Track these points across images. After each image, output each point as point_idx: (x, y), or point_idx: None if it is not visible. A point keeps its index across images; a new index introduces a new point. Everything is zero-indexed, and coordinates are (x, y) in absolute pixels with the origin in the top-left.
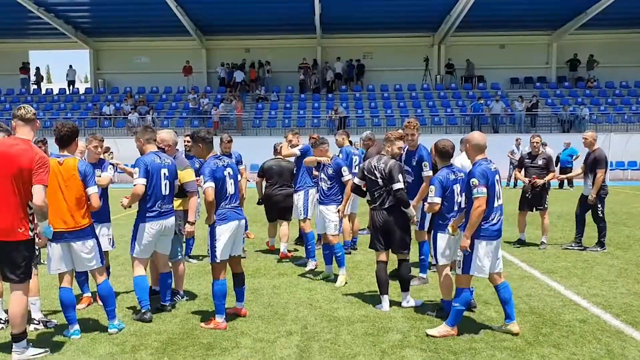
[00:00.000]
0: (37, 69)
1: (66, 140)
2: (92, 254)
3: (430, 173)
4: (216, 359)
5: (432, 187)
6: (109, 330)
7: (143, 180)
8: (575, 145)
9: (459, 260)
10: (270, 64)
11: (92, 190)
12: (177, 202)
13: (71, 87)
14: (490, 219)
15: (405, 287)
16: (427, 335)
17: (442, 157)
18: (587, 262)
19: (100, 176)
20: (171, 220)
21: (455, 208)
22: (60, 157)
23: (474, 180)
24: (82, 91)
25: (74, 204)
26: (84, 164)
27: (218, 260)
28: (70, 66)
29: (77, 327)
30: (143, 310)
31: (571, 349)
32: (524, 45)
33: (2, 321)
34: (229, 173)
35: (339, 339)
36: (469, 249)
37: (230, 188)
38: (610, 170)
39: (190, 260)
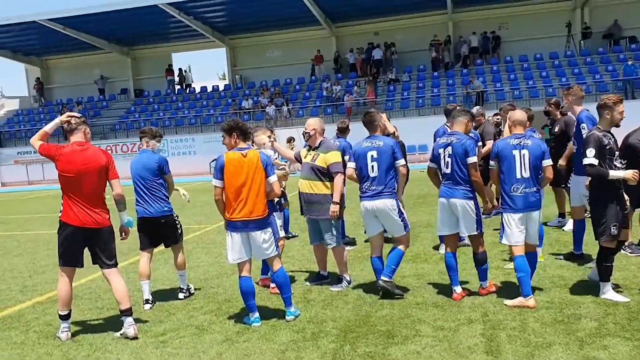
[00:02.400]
0: (181, 70)
1: (248, 134)
2: (269, 242)
3: None
4: (399, 348)
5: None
6: (286, 317)
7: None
8: None
9: None
10: (395, 45)
11: (274, 178)
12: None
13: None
14: None
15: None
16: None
17: None
18: None
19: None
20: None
21: None
22: (242, 150)
23: None
24: (221, 88)
25: (258, 193)
26: (264, 154)
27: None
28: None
29: (257, 314)
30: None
31: None
32: None
33: (150, 301)
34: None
35: (526, 327)
36: None
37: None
38: None
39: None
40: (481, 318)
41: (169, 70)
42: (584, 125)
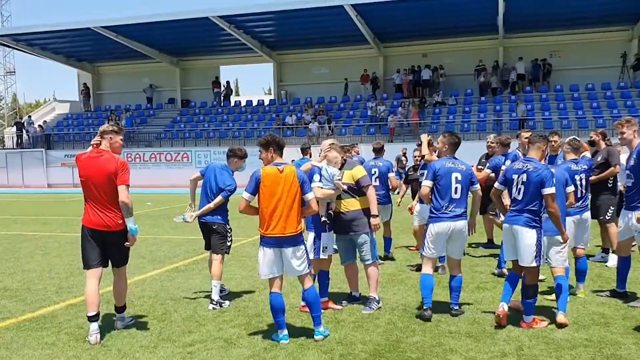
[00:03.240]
0: (227, 82)
1: (283, 148)
2: (302, 260)
3: None
4: None
5: None
6: (315, 336)
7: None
8: None
9: None
10: (444, 68)
11: (310, 195)
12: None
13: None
14: None
15: None
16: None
17: None
18: None
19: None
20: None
21: None
22: (279, 165)
23: None
24: (266, 102)
25: (292, 209)
26: (300, 171)
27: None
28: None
29: (285, 332)
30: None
31: None
32: None
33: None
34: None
35: None
36: None
37: None
38: None
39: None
40: (515, 352)
41: (216, 82)
42: None
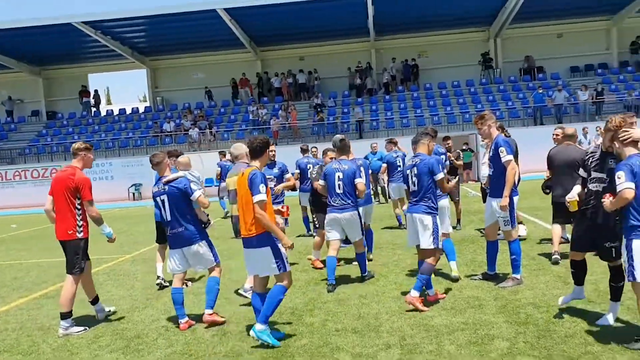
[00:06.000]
0: (96, 91)
1: (259, 152)
2: (274, 260)
3: (510, 157)
4: None
5: (619, 172)
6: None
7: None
8: None
9: None
10: (318, 71)
11: (256, 198)
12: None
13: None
14: None
15: None
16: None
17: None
18: None
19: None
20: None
21: None
22: (247, 168)
23: None
24: (141, 110)
25: (247, 212)
26: (254, 172)
27: None
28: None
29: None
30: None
31: None
32: (582, 33)
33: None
34: None
35: (442, 350)
36: None
37: None
38: None
39: None
40: (399, 342)
41: (85, 92)
42: (502, 149)
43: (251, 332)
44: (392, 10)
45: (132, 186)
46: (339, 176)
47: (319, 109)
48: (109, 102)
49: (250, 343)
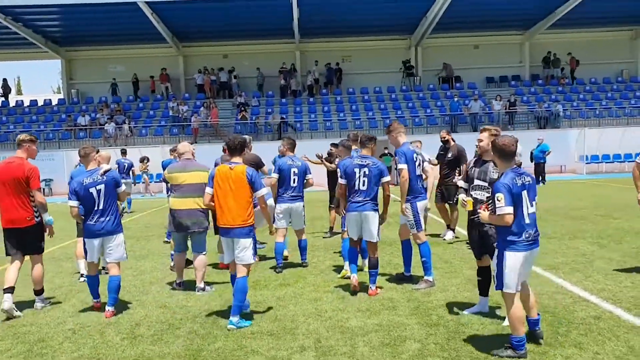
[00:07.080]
0: (5, 80)
1: (238, 150)
2: (247, 249)
3: (404, 166)
4: None
5: (499, 194)
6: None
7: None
8: (547, 141)
9: None
10: (243, 69)
11: (261, 192)
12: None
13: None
14: None
15: None
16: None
17: (502, 158)
18: (586, 256)
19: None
20: None
21: (527, 221)
22: (231, 164)
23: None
24: (54, 102)
25: (240, 204)
26: (251, 170)
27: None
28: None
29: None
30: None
31: (593, 347)
32: (497, 45)
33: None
34: None
35: (356, 351)
36: None
37: None
38: (586, 164)
39: None
40: (314, 345)
41: None
42: (397, 157)
43: (229, 326)
44: (317, 13)
45: (42, 181)
46: (294, 171)
47: (242, 108)
48: (19, 92)
49: (161, 347)
